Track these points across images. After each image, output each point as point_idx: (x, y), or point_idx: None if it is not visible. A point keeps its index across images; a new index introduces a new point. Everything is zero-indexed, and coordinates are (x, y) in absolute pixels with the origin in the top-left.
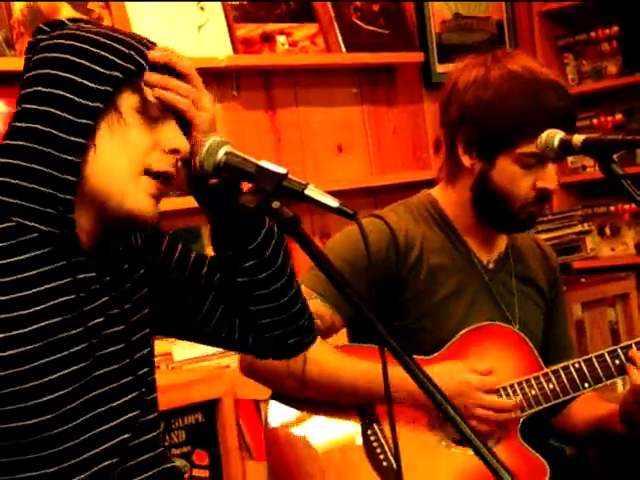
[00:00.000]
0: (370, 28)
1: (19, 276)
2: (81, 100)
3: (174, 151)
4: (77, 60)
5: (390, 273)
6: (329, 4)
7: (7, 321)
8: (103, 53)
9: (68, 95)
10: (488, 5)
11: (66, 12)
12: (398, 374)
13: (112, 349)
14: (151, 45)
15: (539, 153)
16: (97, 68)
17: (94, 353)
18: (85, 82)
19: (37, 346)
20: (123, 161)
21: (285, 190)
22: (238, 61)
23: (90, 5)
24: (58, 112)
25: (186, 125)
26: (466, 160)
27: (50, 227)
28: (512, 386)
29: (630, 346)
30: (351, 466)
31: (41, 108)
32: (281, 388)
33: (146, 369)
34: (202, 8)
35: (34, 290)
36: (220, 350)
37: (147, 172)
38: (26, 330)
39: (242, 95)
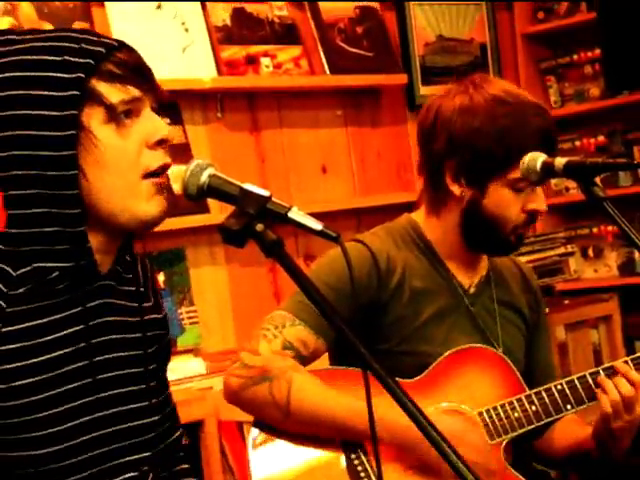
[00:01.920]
0: (354, 50)
1: (42, 320)
2: (55, 113)
3: (160, 142)
4: (31, 74)
5: (372, 298)
6: (313, 26)
7: (28, 349)
8: (60, 57)
9: (41, 112)
10: (471, 27)
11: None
12: (386, 413)
13: (133, 388)
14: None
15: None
16: (58, 75)
17: (112, 389)
18: (50, 93)
19: (49, 376)
20: (118, 177)
21: (269, 213)
22: (222, 83)
23: (74, 25)
24: (34, 132)
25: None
26: (455, 188)
27: (69, 262)
28: (495, 408)
29: (612, 367)
30: None
31: (12, 133)
32: (264, 417)
33: (158, 416)
34: (186, 30)
35: (51, 331)
36: (203, 372)
37: (146, 175)
38: (38, 360)
39: (226, 117)
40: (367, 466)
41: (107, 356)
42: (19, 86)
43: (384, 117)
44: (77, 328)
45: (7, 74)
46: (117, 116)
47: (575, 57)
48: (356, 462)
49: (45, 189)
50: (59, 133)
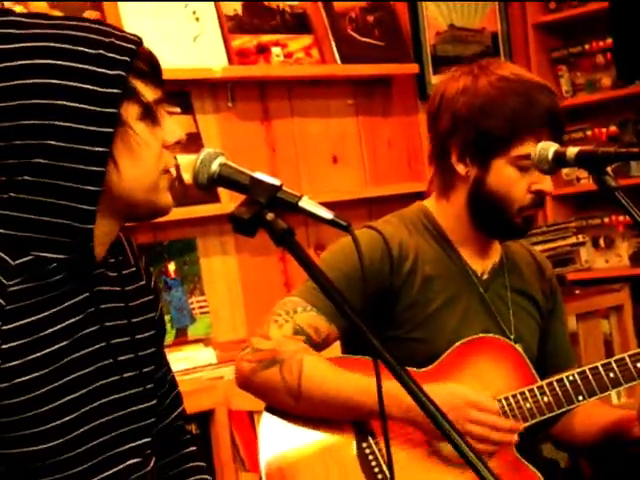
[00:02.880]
0: (365, 40)
1: (41, 315)
2: (95, 107)
3: (177, 142)
4: (71, 64)
5: (384, 284)
6: (324, 15)
7: (28, 345)
8: (97, 51)
9: (80, 105)
10: (483, 17)
11: None
12: (395, 390)
13: (129, 375)
14: (116, 30)
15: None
16: (98, 69)
17: (110, 377)
18: (92, 87)
19: (49, 370)
20: (146, 171)
21: (279, 202)
22: (233, 72)
23: (85, 15)
24: (71, 124)
25: None
26: (461, 168)
27: (69, 254)
28: (507, 398)
29: (623, 359)
30: (345, 478)
31: (43, 122)
32: (276, 402)
33: (155, 400)
34: (197, 19)
35: (58, 322)
36: (213, 361)
37: (165, 171)
38: (38, 355)
39: (237, 106)
40: (377, 454)
41: (102, 344)
42: (57, 75)
43: (395, 107)
44: (74, 319)
45: (41, 60)
46: (152, 114)
47: (587, 47)
48: (367, 451)
49: (66, 181)
50: (97, 129)
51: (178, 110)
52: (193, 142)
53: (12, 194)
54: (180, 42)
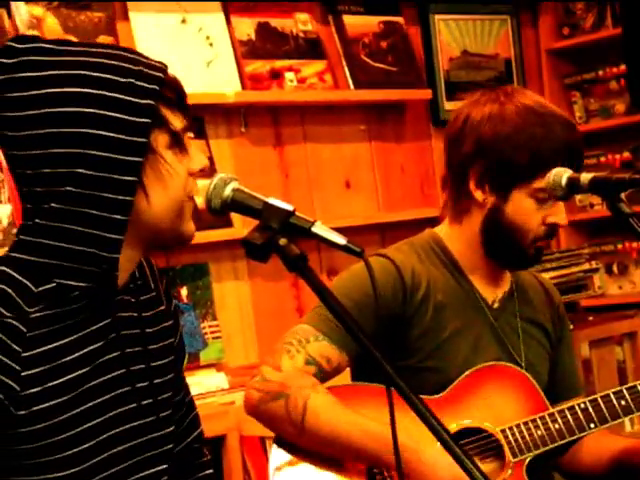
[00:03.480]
0: (378, 65)
1: (61, 342)
2: (126, 137)
3: (202, 170)
4: (103, 93)
5: (397, 312)
6: (337, 41)
7: (48, 372)
8: (127, 79)
9: (111, 134)
10: (496, 42)
11: None
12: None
13: (143, 403)
14: (145, 58)
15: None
16: (129, 98)
17: (125, 405)
18: (123, 116)
19: (67, 398)
20: (173, 199)
21: (292, 227)
22: (246, 97)
23: (100, 39)
24: (102, 153)
25: None
26: (478, 194)
27: (92, 283)
28: (518, 426)
29: (635, 387)
30: None
31: (75, 151)
32: (280, 432)
33: (173, 427)
34: (211, 44)
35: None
36: (225, 386)
37: (189, 198)
38: (57, 382)
39: (250, 131)
40: None
41: (121, 371)
42: (87, 104)
43: (408, 132)
44: (95, 346)
45: (72, 89)
46: (180, 142)
47: (600, 73)
48: (378, 477)
49: (95, 210)
50: (128, 158)
51: (191, 135)
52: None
53: (38, 221)
54: (193, 67)
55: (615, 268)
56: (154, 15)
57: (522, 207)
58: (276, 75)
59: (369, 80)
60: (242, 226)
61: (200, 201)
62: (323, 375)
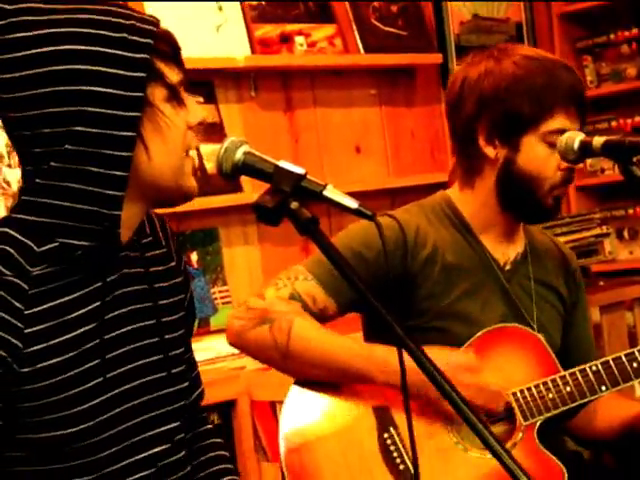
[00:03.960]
0: (388, 29)
1: (64, 299)
2: (122, 92)
3: (200, 124)
4: (97, 49)
5: (398, 268)
6: (347, 5)
7: (51, 329)
8: (120, 34)
9: (108, 90)
10: (507, 6)
11: None
12: (383, 354)
13: (154, 359)
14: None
15: (564, 129)
16: (123, 53)
17: (135, 361)
18: (118, 71)
19: (72, 355)
20: (173, 154)
21: (304, 191)
22: (256, 62)
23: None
24: (99, 110)
25: None
26: (489, 151)
27: (95, 241)
28: (529, 389)
29: None
30: (366, 468)
31: (72, 109)
32: (265, 358)
33: (186, 383)
34: (220, 8)
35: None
36: (235, 351)
37: (188, 152)
38: (61, 339)
39: (260, 96)
40: (399, 444)
41: (128, 327)
42: (83, 61)
43: (418, 97)
44: (97, 304)
45: (67, 46)
46: (177, 95)
47: (612, 36)
48: (389, 441)
49: (95, 167)
50: (124, 113)
51: (201, 99)
52: (216, 131)
53: (38, 181)
54: (203, 31)
55: (626, 233)
56: None
57: (534, 154)
58: (286, 39)
59: (379, 44)
60: (252, 191)
61: (210, 166)
62: (307, 312)
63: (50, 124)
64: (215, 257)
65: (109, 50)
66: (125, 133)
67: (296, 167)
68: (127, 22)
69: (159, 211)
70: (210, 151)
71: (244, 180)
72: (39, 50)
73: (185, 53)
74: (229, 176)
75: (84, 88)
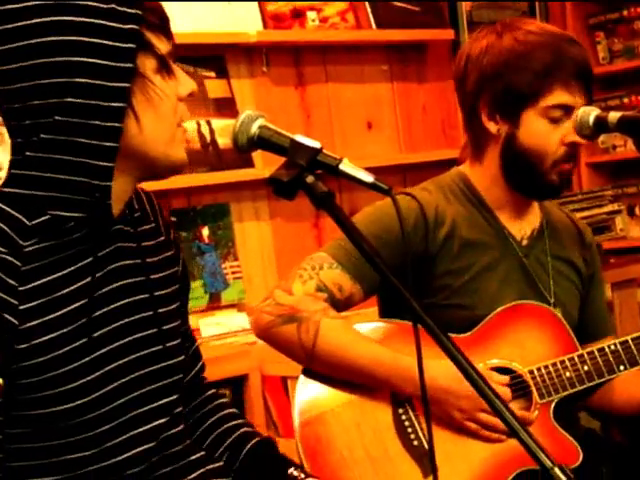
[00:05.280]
0: (400, 5)
1: (58, 274)
2: (112, 63)
3: (190, 95)
4: (86, 20)
5: (418, 249)
6: None
7: (45, 305)
8: (108, 5)
9: (98, 61)
10: None
11: None
12: (414, 368)
13: (148, 332)
14: None
15: (565, 104)
16: (112, 24)
17: (130, 335)
18: (107, 42)
19: (67, 330)
20: (164, 124)
21: (319, 165)
22: (268, 37)
23: None
24: (89, 80)
25: None
26: (491, 126)
27: (86, 213)
28: (546, 367)
29: None
30: (380, 441)
31: (61, 80)
32: (291, 355)
33: (182, 356)
34: None
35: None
36: (247, 326)
37: (180, 124)
38: (56, 315)
39: (272, 71)
40: (414, 420)
41: (122, 302)
42: (71, 32)
43: (430, 73)
44: (93, 278)
45: (56, 18)
46: (167, 66)
47: (625, 13)
48: (404, 417)
49: (85, 138)
50: (114, 84)
51: (213, 74)
52: (228, 106)
53: (28, 153)
54: (214, 5)
55: (638, 210)
56: None
57: (535, 129)
58: (298, 14)
59: (391, 20)
60: (263, 166)
61: (222, 141)
62: (334, 303)
63: (39, 96)
64: (226, 232)
65: (98, 21)
66: (115, 104)
67: (312, 141)
68: None
69: (173, 186)
70: (222, 126)
71: (255, 155)
72: (28, 22)
73: (197, 28)
74: (244, 149)
75: (73, 59)
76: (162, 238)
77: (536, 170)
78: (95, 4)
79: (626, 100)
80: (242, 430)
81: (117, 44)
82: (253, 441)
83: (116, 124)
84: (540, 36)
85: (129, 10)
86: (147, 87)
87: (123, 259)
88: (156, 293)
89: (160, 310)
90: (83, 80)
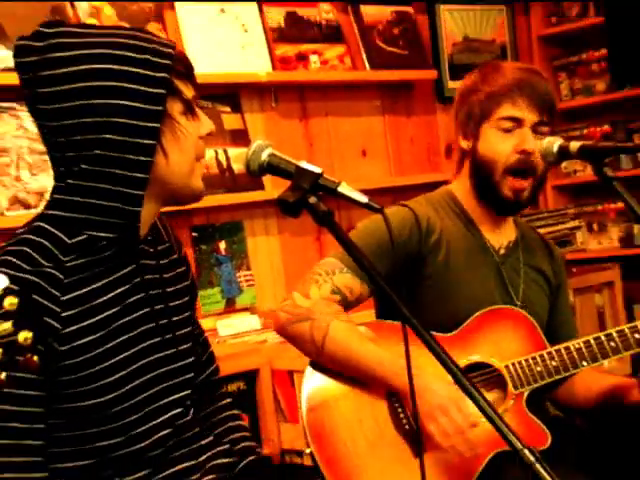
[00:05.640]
0: (391, 49)
1: (96, 285)
2: (145, 106)
3: (209, 134)
4: (125, 68)
5: (412, 250)
6: (355, 28)
7: (83, 313)
8: (144, 56)
9: (133, 104)
10: (493, 29)
11: None
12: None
13: (165, 337)
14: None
15: (512, 117)
16: (146, 72)
17: (150, 339)
18: (142, 88)
19: (105, 332)
20: (187, 159)
21: (320, 187)
22: (277, 77)
23: (149, 25)
24: (125, 120)
25: None
26: (464, 144)
27: (117, 233)
28: (520, 362)
29: (623, 330)
30: (376, 424)
31: (102, 120)
32: (303, 349)
33: (193, 358)
34: (246, 30)
35: (108, 291)
36: (258, 327)
37: (199, 158)
38: (93, 320)
39: (280, 106)
40: (405, 409)
41: (146, 310)
42: (111, 78)
43: (417, 108)
44: (123, 289)
45: (98, 65)
46: (191, 108)
47: (584, 56)
48: (397, 404)
49: (120, 169)
50: (147, 124)
51: (228, 109)
52: (241, 137)
53: (70, 181)
54: (231, 50)
55: (595, 226)
56: (197, 5)
57: (489, 139)
58: (302, 57)
59: (383, 62)
60: (272, 189)
61: (237, 167)
62: (346, 303)
63: (83, 132)
64: (240, 245)
65: (134, 69)
66: (147, 141)
67: (314, 167)
68: (150, 45)
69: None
70: (237, 154)
71: (265, 179)
72: (74, 68)
73: (215, 69)
74: (256, 174)
75: (112, 102)
76: (175, 256)
77: (490, 181)
78: (132, 54)
79: (585, 131)
80: (242, 445)
81: (150, 89)
82: (250, 458)
83: (148, 158)
84: (497, 67)
85: (161, 60)
86: (174, 127)
87: (145, 274)
88: (171, 304)
89: (174, 318)
90: (120, 120)
